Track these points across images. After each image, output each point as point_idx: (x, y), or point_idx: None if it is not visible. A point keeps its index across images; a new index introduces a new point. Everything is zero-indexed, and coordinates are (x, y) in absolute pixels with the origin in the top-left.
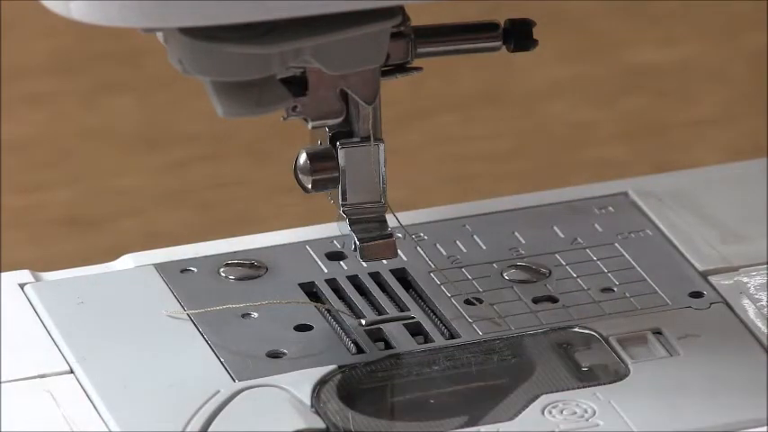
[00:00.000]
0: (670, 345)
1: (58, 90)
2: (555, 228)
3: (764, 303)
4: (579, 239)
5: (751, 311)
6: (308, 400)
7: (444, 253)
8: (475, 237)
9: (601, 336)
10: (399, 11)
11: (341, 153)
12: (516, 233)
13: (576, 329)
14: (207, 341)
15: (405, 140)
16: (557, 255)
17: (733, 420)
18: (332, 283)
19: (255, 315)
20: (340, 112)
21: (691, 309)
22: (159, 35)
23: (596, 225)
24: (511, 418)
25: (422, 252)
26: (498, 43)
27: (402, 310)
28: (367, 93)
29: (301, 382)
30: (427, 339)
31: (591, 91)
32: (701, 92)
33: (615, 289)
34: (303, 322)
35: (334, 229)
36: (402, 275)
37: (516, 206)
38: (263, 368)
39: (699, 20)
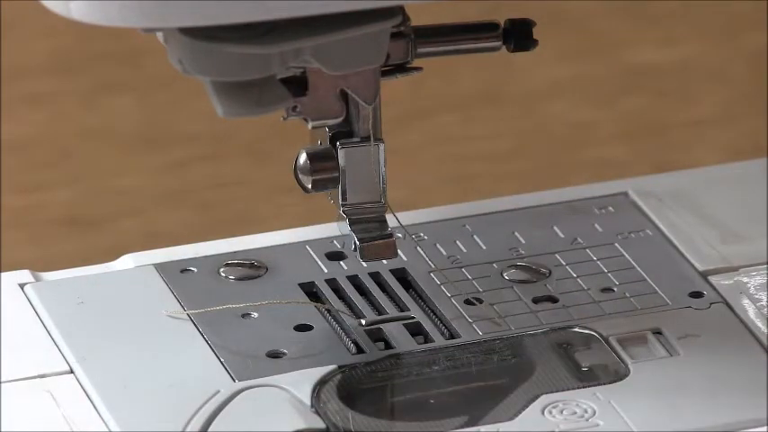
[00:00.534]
0: (670, 345)
1: (58, 90)
2: (555, 228)
3: (764, 303)
4: (579, 239)
5: (751, 311)
6: (308, 400)
7: (444, 253)
8: (475, 237)
9: (601, 336)
10: (399, 11)
11: (341, 153)
12: (516, 233)
13: (576, 329)
14: (207, 341)
15: (405, 140)
16: (557, 255)
17: (733, 420)
18: (332, 283)
19: (255, 315)
20: (340, 112)
21: (691, 309)
22: (159, 35)
23: (596, 225)
24: (511, 418)
25: (422, 252)
26: (498, 43)
27: (402, 310)
28: (367, 93)
29: (301, 382)
30: (427, 339)
31: (591, 91)
32: (701, 92)
33: (615, 289)
34: (303, 322)
35: (334, 229)
36: (402, 275)
37: (516, 206)
38: (263, 368)
39: (699, 20)
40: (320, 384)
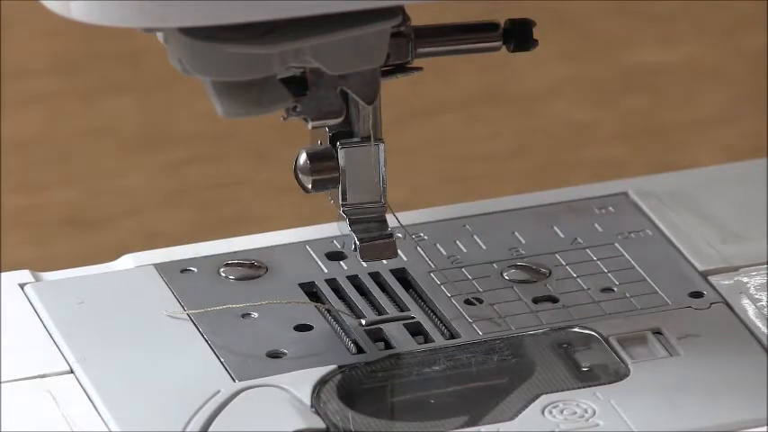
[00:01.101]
0: (670, 345)
1: (59, 90)
2: (555, 228)
3: (764, 303)
4: (579, 239)
5: (751, 311)
6: (308, 400)
7: (444, 253)
8: (475, 237)
9: (601, 336)
10: (399, 11)
11: (341, 153)
12: (516, 233)
13: (576, 329)
14: (207, 341)
15: (405, 140)
16: (557, 255)
17: (733, 420)
18: (332, 283)
19: (255, 315)
20: (340, 112)
21: (691, 309)
22: (159, 35)
23: (596, 225)
24: (511, 418)
25: (422, 252)
26: (498, 43)
27: (402, 310)
28: (367, 93)
29: (301, 382)
30: (427, 339)
31: (591, 91)
32: (701, 92)
33: (615, 289)
34: (303, 322)
35: (334, 229)
36: (402, 275)
37: (516, 206)
38: (263, 368)
39: (699, 20)
40: (320, 384)
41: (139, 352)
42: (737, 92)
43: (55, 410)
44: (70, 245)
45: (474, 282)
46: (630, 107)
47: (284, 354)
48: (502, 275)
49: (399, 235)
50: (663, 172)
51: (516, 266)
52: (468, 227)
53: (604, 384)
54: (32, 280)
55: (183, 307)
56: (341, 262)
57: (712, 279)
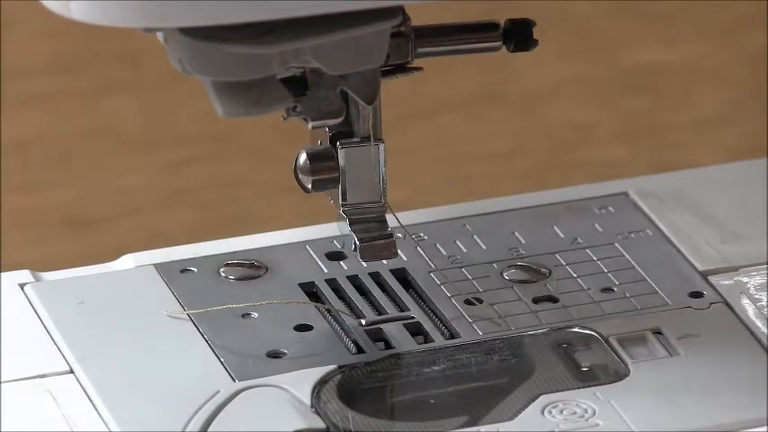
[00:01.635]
0: (670, 345)
1: (59, 90)
2: (555, 228)
3: (764, 303)
4: (579, 239)
5: (751, 311)
6: (308, 400)
7: (444, 253)
8: (475, 237)
9: (601, 336)
10: (399, 11)
11: (341, 153)
12: (516, 233)
13: (576, 329)
14: (207, 341)
15: (405, 140)
16: (557, 255)
17: (733, 420)
18: (332, 283)
19: (255, 315)
20: (340, 112)
21: (691, 309)
22: (159, 35)
23: (596, 225)
24: (511, 418)
25: (422, 252)
26: (498, 43)
27: (402, 310)
28: (367, 93)
29: (301, 382)
30: (427, 339)
31: (591, 91)
32: (701, 92)
33: (615, 289)
34: (303, 322)
35: (334, 229)
36: (402, 275)
37: (516, 206)
38: (263, 368)
39: (699, 20)
40: (320, 384)
41: (139, 352)
42: (737, 92)
43: (55, 410)
44: (70, 245)
45: (474, 282)
46: (630, 107)
47: (284, 354)
48: (502, 275)
49: (399, 235)
50: (663, 172)
51: (516, 266)
52: (468, 227)
53: (604, 384)
54: (32, 280)
55: (183, 307)
56: (341, 262)
57: (712, 279)
